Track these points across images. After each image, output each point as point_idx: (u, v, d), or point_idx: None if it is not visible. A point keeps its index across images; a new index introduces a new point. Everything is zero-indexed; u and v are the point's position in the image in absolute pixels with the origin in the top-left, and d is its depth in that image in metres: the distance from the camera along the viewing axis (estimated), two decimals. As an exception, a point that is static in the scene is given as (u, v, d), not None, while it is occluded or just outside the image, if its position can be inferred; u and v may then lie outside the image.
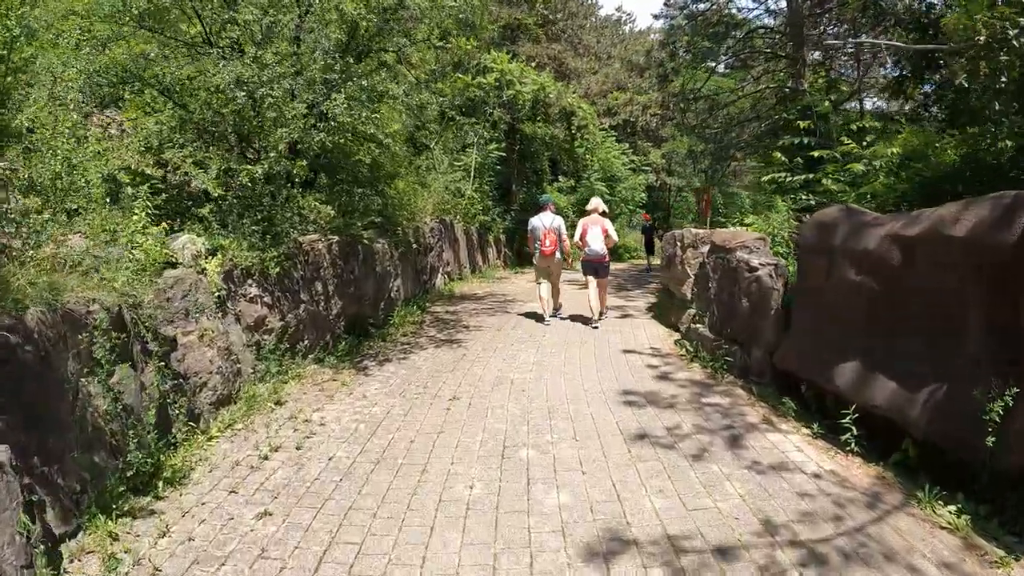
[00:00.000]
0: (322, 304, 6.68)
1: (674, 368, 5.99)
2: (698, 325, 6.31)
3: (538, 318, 8.73)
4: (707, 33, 14.40)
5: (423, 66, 8.81)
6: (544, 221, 8.21)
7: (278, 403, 5.08)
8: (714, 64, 15.41)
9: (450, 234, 12.77)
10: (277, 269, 5.72)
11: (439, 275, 11.78)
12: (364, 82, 6.09)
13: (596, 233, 8.06)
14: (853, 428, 3.94)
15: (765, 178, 7.80)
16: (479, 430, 4.45)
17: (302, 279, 6.38)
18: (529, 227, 8.47)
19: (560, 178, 22.10)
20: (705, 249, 6.63)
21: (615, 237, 8.35)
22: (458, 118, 7.61)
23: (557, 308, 8.91)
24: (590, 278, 8.20)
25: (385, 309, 8.33)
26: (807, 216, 5.96)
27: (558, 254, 8.25)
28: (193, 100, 6.25)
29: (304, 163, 6.96)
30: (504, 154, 17.27)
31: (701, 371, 5.87)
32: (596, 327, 8.01)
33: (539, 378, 5.74)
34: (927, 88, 14.16)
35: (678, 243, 7.79)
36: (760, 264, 5.30)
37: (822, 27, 15.02)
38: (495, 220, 16.76)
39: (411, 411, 4.90)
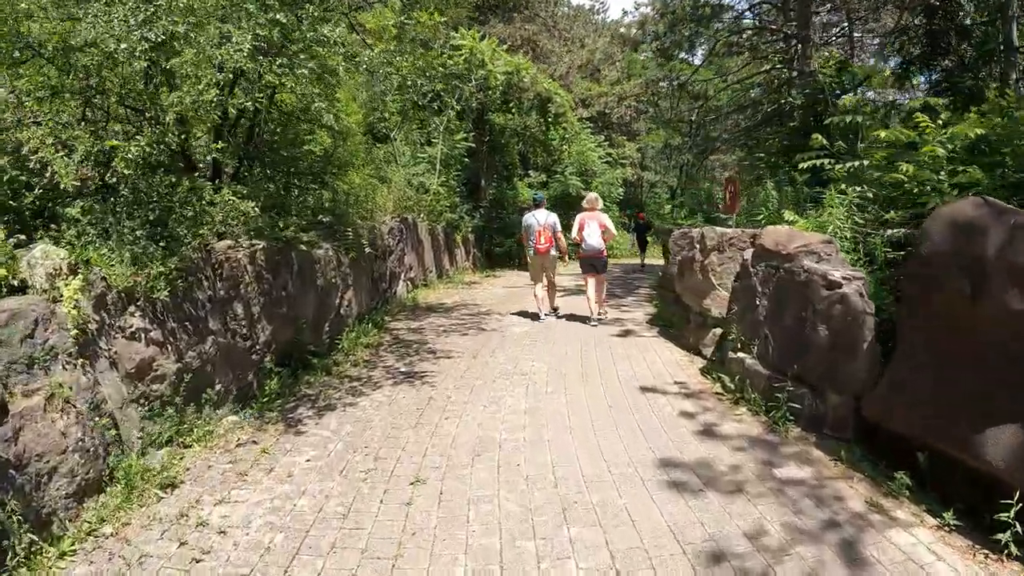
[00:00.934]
0: (242, 333, 5.00)
1: (717, 416, 4.45)
2: (742, 355, 4.79)
3: (524, 335, 7.50)
4: (698, 16, 13.12)
5: (381, 36, 7.22)
6: (538, 218, 8.00)
7: (170, 486, 3.52)
8: (706, 49, 14.16)
9: (413, 235, 11.08)
10: (166, 290, 4.07)
11: (400, 282, 10.10)
12: (280, 16, 4.28)
13: (593, 228, 7.76)
14: (1018, 525, 2.76)
15: (803, 165, 6.39)
16: (459, 552, 2.82)
17: (211, 301, 4.71)
18: (523, 225, 8.23)
19: (531, 172, 20.56)
20: (744, 254, 5.13)
21: (613, 231, 8.15)
22: (421, 83, 6.19)
23: (555, 309, 8.65)
24: (588, 276, 7.93)
25: (331, 331, 6.63)
26: (894, 213, 4.55)
27: (553, 251, 8.01)
28: (76, 64, 4.48)
29: (221, 144, 5.33)
30: (472, 145, 15.63)
31: (753, 419, 4.36)
32: (595, 325, 7.78)
33: (538, 439, 4.13)
34: (933, 76, 13.23)
35: (696, 245, 6.29)
36: (844, 278, 3.83)
37: (824, 10, 13.90)
38: (463, 218, 15.08)
39: (354, 507, 3.26)
